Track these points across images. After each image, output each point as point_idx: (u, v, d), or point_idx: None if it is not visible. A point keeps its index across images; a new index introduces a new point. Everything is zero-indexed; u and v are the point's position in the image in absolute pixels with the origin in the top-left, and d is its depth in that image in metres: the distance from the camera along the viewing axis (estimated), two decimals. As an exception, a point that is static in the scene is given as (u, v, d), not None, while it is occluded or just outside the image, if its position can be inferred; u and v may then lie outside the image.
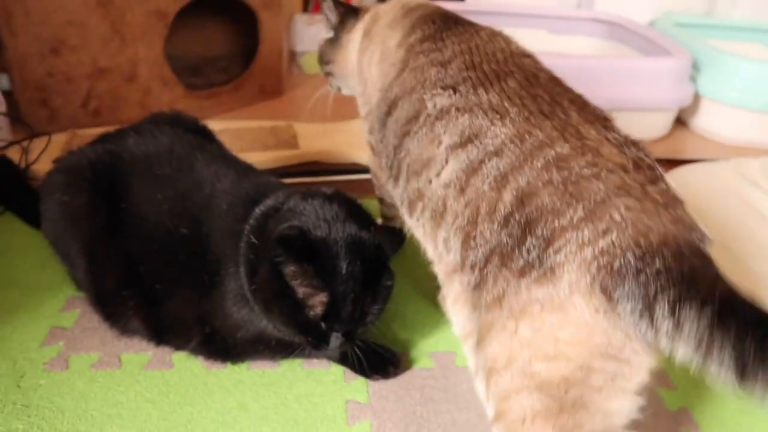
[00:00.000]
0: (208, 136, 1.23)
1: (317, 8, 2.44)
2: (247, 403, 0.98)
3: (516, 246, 0.64)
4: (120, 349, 1.07)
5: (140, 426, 0.93)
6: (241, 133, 1.73)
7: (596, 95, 1.92)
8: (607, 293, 0.59)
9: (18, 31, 1.65)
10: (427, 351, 1.11)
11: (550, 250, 0.61)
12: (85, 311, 1.13)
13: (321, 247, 0.85)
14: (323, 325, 0.87)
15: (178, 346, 1.05)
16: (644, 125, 2.00)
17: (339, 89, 1.27)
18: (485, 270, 0.66)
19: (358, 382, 1.03)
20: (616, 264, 0.58)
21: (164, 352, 1.07)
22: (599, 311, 0.59)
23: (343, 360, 1.05)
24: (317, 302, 0.87)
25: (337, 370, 1.05)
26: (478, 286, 0.68)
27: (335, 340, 0.89)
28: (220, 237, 1.00)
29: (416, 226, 0.84)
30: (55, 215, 1.05)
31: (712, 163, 1.66)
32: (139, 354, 1.06)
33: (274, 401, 0.99)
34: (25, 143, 1.66)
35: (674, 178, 1.55)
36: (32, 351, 1.05)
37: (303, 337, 0.89)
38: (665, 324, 0.55)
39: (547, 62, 1.88)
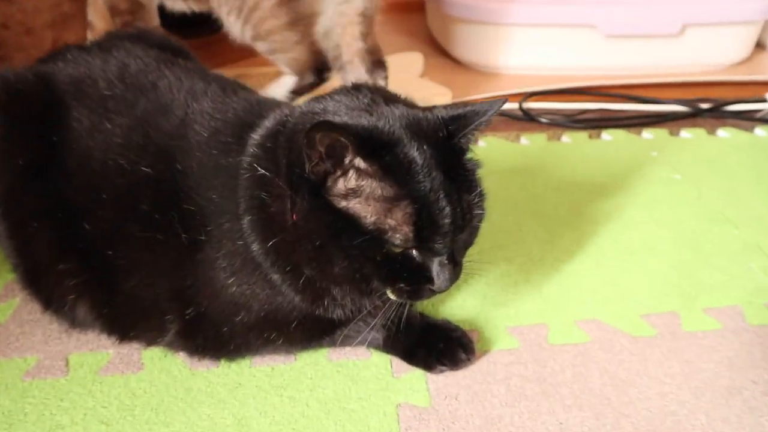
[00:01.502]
0: (183, 54, 0.91)
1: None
2: (250, 416, 0.66)
3: None
4: (69, 349, 0.75)
5: (87, 462, 0.61)
6: (243, 79, 1.41)
7: (665, 9, 1.57)
8: None
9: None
10: (506, 326, 0.78)
11: None
12: (27, 300, 0.81)
13: (375, 137, 0.57)
14: (416, 254, 0.59)
15: (150, 340, 0.74)
16: (722, 45, 1.64)
17: None
18: None
19: (413, 376, 0.70)
20: None
21: (131, 349, 0.75)
22: None
23: (391, 345, 0.72)
24: (399, 219, 0.57)
25: (381, 361, 0.72)
26: None
27: (441, 270, 0.60)
28: (203, 177, 0.68)
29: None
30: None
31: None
32: (94, 353, 0.74)
33: (290, 411, 0.66)
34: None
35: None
36: (-54, 358, 0.74)
37: (392, 288, 0.61)
38: None
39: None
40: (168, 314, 0.70)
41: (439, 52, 1.72)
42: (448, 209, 0.58)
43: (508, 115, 1.36)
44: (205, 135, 0.70)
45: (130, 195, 0.69)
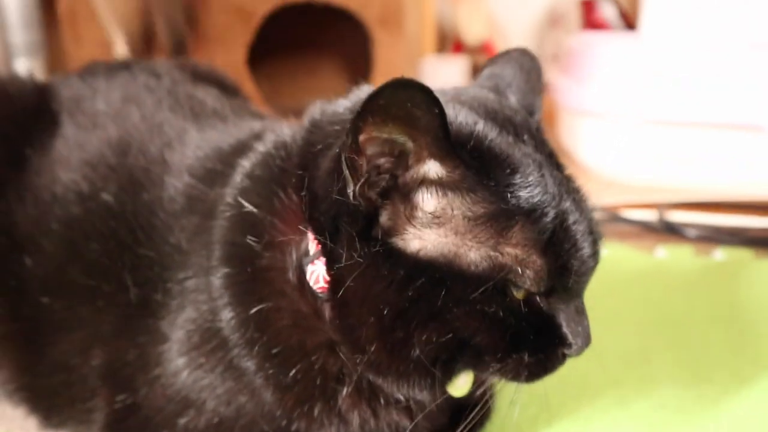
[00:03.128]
0: (230, 89, 0.76)
1: (458, 48, 1.95)
2: None
3: None
4: (-17, 428, 0.55)
5: None
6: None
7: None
8: None
9: (82, 35, 1.45)
10: None
11: None
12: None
13: (453, 126, 0.39)
14: (540, 300, 0.41)
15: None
16: None
17: None
18: None
19: None
20: None
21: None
22: None
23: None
24: (522, 244, 0.39)
25: None
26: None
27: (578, 320, 0.42)
28: (172, 213, 0.51)
29: None
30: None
31: None
32: (7, 439, 0.54)
33: None
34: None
35: None
36: None
37: (505, 364, 0.41)
38: None
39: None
40: (95, 397, 0.49)
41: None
42: (585, 223, 0.41)
43: (643, 224, 1.08)
44: (190, 160, 0.53)
45: (82, 229, 0.53)
